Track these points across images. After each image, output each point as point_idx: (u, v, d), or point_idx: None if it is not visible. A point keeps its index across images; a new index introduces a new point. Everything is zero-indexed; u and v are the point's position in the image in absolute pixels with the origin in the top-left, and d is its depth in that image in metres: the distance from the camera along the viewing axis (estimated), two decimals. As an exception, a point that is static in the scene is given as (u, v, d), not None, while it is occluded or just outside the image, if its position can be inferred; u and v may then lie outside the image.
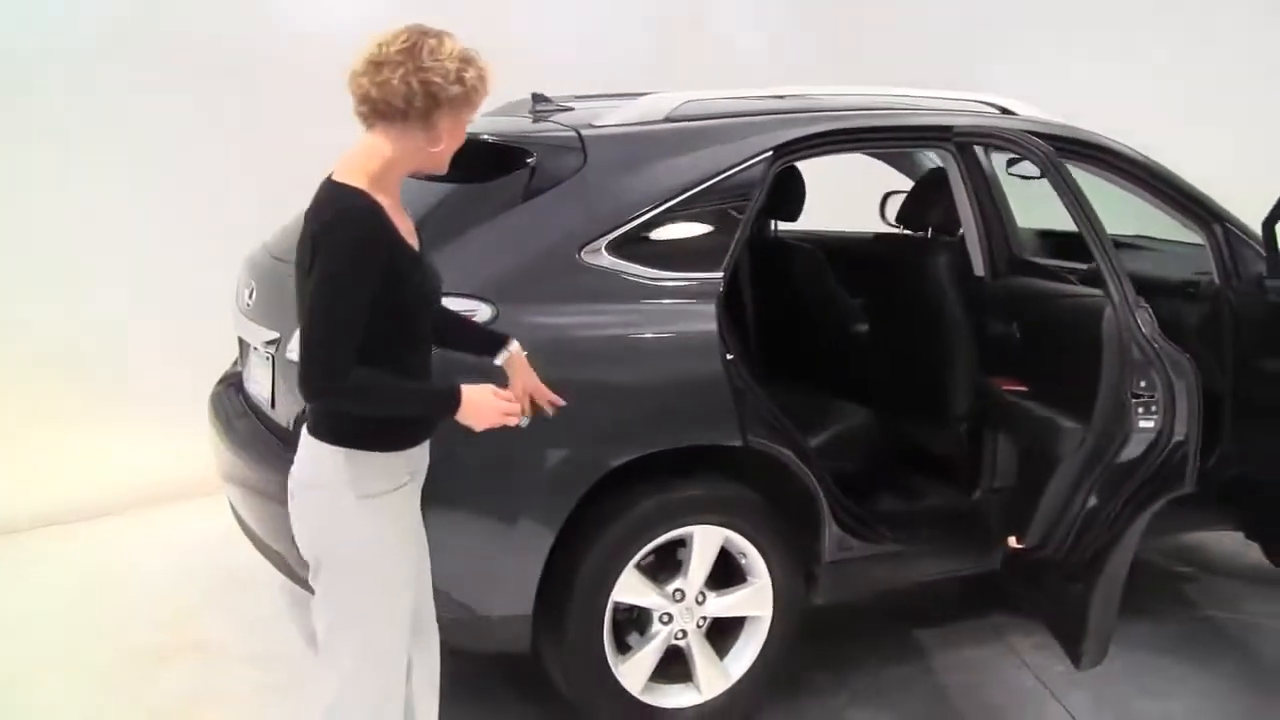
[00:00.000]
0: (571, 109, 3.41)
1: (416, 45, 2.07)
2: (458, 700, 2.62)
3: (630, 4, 6.26)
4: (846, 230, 4.82)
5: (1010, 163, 4.03)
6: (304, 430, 2.25)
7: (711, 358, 2.99)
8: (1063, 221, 4.19)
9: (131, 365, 4.81)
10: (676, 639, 3.13)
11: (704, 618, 3.16)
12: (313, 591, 2.28)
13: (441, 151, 2.17)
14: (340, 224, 2.04)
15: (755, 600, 3.20)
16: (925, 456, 3.87)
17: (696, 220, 3.15)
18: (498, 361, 2.44)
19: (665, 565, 3.14)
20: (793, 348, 4.32)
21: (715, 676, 3.19)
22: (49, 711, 3.42)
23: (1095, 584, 3.05)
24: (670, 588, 3.10)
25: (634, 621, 3.16)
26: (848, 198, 4.57)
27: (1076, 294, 3.39)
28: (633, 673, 3.07)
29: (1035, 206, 4.30)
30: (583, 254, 2.96)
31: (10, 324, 4.61)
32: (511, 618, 2.91)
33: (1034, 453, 3.32)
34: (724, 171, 3.15)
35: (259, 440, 3.21)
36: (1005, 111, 3.78)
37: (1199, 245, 3.81)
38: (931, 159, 4.40)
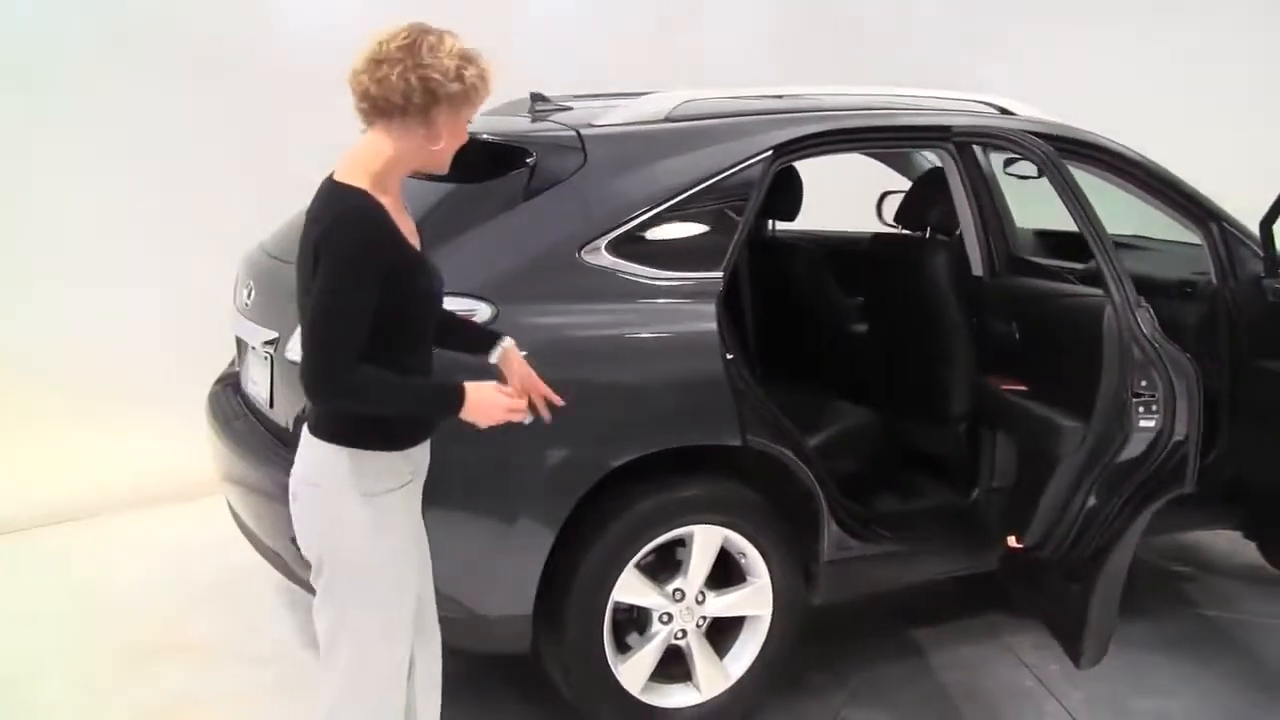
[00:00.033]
0: (570, 108, 3.38)
1: (416, 42, 2.06)
2: (458, 700, 2.58)
3: (629, 3, 6.24)
4: (844, 230, 4.80)
5: (1007, 163, 4.02)
6: (305, 430, 2.22)
7: (711, 357, 2.97)
8: (1058, 221, 4.21)
9: (129, 365, 4.76)
10: (676, 639, 3.10)
11: (704, 617, 3.13)
12: (313, 592, 2.26)
13: (442, 150, 2.15)
14: (343, 225, 2.02)
15: (755, 600, 3.17)
16: (924, 456, 3.84)
17: (696, 220, 3.12)
18: (492, 359, 2.41)
19: (665, 565, 3.11)
20: (791, 347, 4.29)
21: (715, 676, 3.16)
22: (46, 711, 3.39)
23: (1095, 583, 3.03)
24: (670, 587, 3.07)
25: (633, 621, 3.13)
26: (844, 198, 4.54)
27: (1076, 293, 3.37)
28: (632, 672, 3.05)
29: (1029, 206, 4.29)
30: (582, 253, 2.93)
31: (9, 323, 4.58)
32: (511, 617, 2.89)
33: (1034, 452, 3.31)
34: (723, 171, 3.13)
35: (257, 440, 3.19)
36: (1004, 111, 3.76)
37: (1196, 245, 3.79)
38: (928, 159, 4.38)
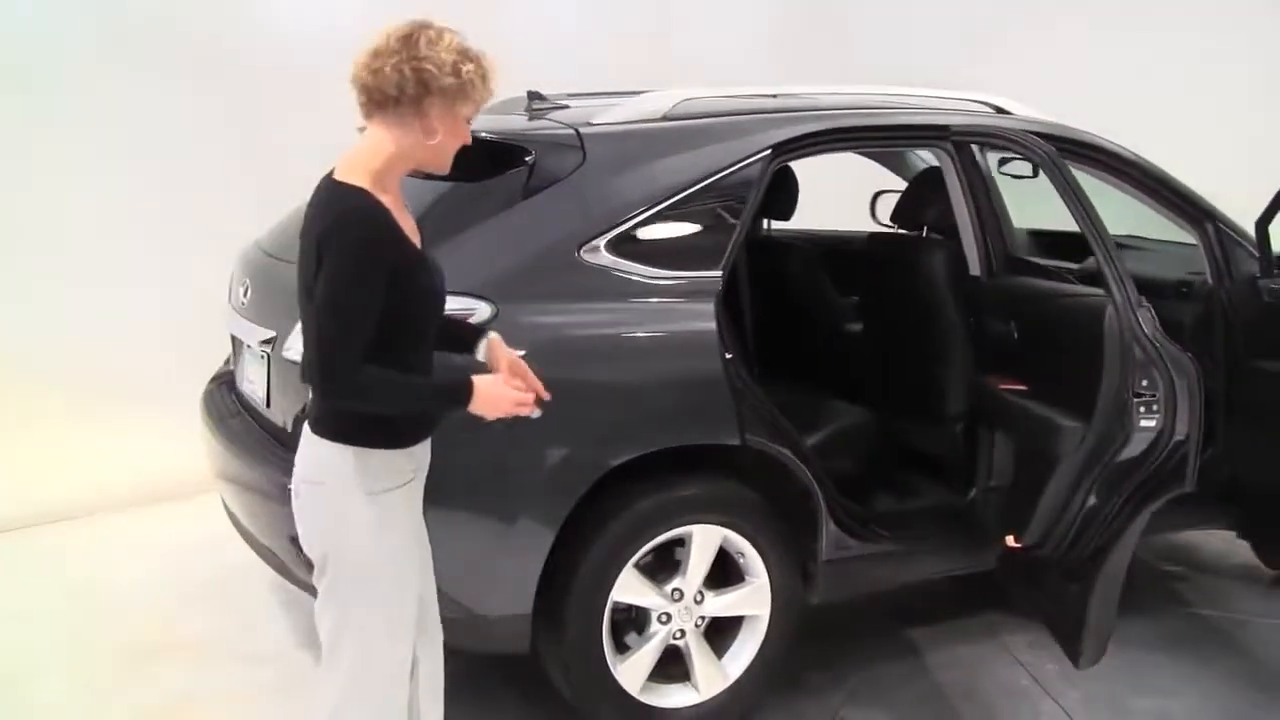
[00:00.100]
0: (568, 107, 3.32)
1: (414, 36, 2.04)
2: (458, 700, 2.53)
3: (629, 3, 6.18)
4: (840, 229, 4.74)
5: (1002, 162, 3.96)
6: (306, 428, 2.18)
7: (710, 357, 2.92)
8: (1052, 221, 4.16)
9: (129, 365, 4.70)
10: (675, 638, 3.04)
11: (702, 617, 3.08)
12: (309, 590, 2.21)
13: (437, 145, 2.10)
14: (345, 225, 1.99)
15: (753, 599, 3.12)
16: (920, 456, 3.79)
17: (695, 219, 3.07)
18: (479, 356, 2.36)
19: (664, 565, 3.06)
20: (788, 347, 4.24)
21: (714, 676, 3.10)
22: (44, 710, 3.34)
23: (1094, 583, 2.99)
24: (669, 587, 3.02)
25: (632, 621, 3.08)
26: (839, 197, 4.48)
27: (1076, 293, 3.32)
28: (631, 672, 2.99)
29: (1023, 207, 4.23)
30: (582, 252, 2.88)
31: (9, 323, 4.51)
32: (511, 617, 2.83)
33: (1032, 452, 3.25)
34: (722, 170, 3.07)
35: (254, 439, 3.13)
36: (1000, 111, 3.70)
37: (1191, 245, 3.74)
38: (923, 158, 4.33)
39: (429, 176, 2.25)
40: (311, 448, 2.16)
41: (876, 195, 4.50)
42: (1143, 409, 2.90)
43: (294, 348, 2.79)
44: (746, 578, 3.11)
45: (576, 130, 3.03)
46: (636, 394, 2.89)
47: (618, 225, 2.93)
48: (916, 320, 3.62)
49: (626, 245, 2.92)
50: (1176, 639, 3.75)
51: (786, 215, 4.07)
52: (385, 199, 2.05)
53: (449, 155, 2.15)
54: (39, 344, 4.56)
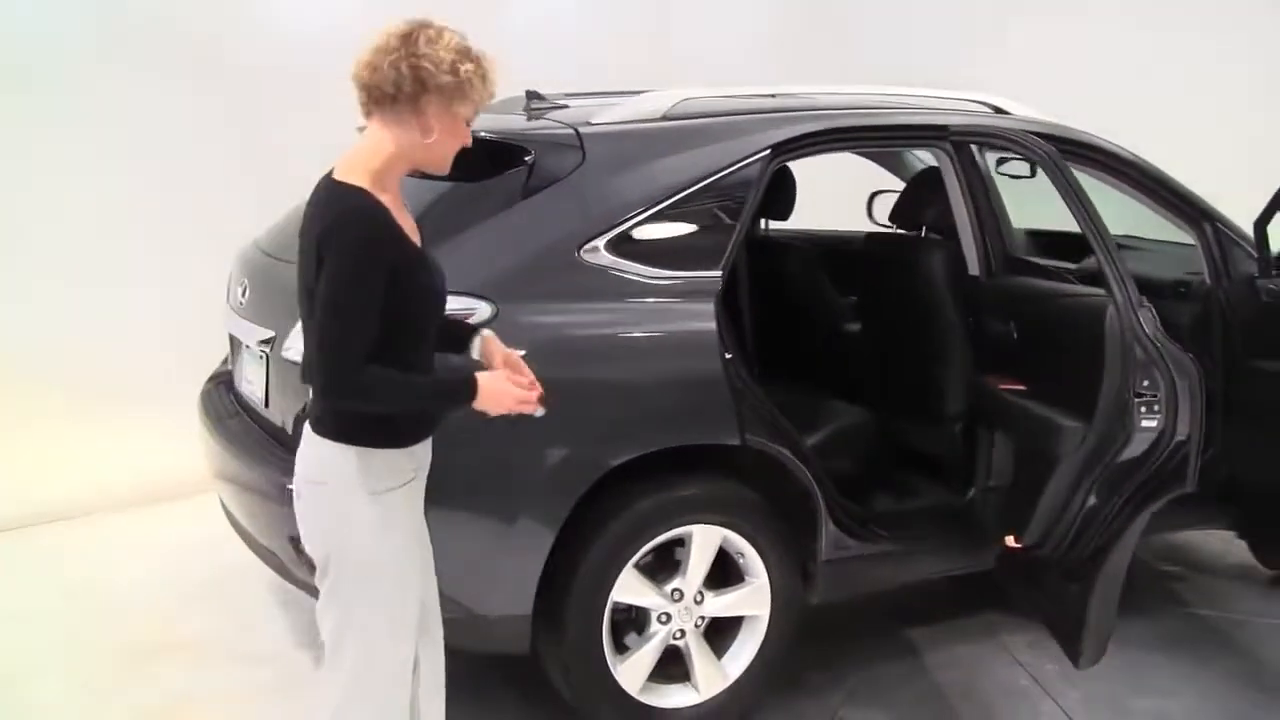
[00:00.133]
0: (566, 106, 3.29)
1: (414, 34, 2.03)
2: (458, 700, 2.50)
3: (629, 3, 6.16)
4: (837, 229, 4.71)
5: (999, 162, 3.93)
6: (307, 428, 2.16)
7: (710, 357, 2.89)
8: (1048, 221, 4.14)
9: (129, 365, 4.66)
10: (675, 639, 3.01)
11: (702, 617, 3.05)
12: (307, 589, 2.19)
13: (434, 144, 2.08)
14: (345, 225, 1.98)
15: (753, 600, 3.09)
16: (919, 456, 3.76)
17: (695, 219, 3.04)
18: (473, 354, 2.33)
19: (663, 565, 3.03)
20: (787, 347, 4.21)
21: (713, 676, 3.07)
22: (43, 710, 3.30)
23: (1094, 583, 2.96)
24: (668, 587, 2.99)
25: (632, 621, 3.05)
26: (836, 197, 4.45)
27: (1076, 293, 3.29)
28: (631, 672, 2.96)
29: (1018, 207, 4.21)
30: (581, 252, 2.85)
31: (9, 323, 4.48)
32: (511, 617, 2.81)
33: (1033, 452, 3.22)
34: (722, 170, 3.05)
35: (252, 439, 3.10)
36: (998, 110, 3.68)
37: (1188, 245, 3.72)
38: (920, 158, 4.30)
39: (428, 176, 2.22)
40: (313, 448, 2.14)
41: (873, 195, 4.46)
42: (1144, 409, 2.87)
43: (293, 348, 2.76)
44: (746, 578, 3.09)
45: (576, 130, 3.00)
46: (636, 394, 2.86)
47: (617, 225, 2.90)
48: (915, 320, 3.59)
49: (626, 245, 2.89)
50: (1174, 639, 3.72)
51: (784, 215, 4.04)
52: (385, 198, 2.03)
53: (447, 155, 2.13)
54: (39, 344, 4.52)
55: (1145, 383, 2.87)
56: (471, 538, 2.70)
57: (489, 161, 2.90)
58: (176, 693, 3.35)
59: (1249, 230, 3.61)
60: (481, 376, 2.11)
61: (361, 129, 2.13)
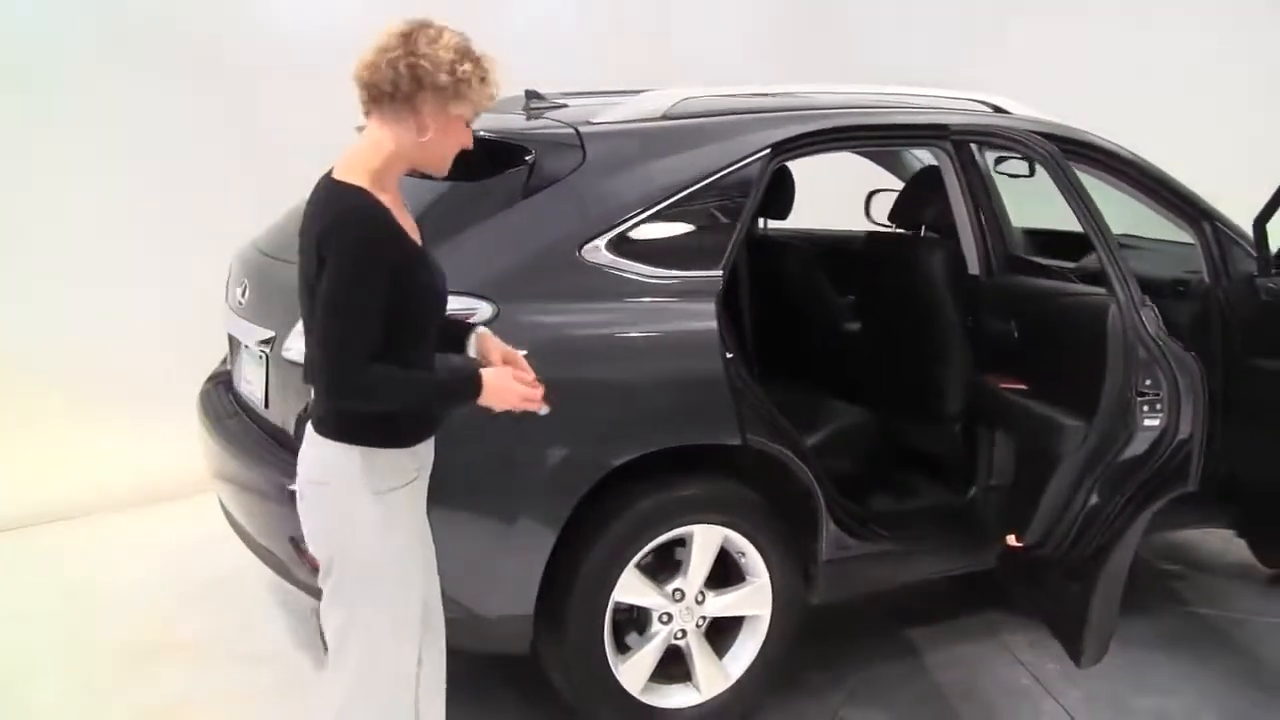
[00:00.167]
0: (565, 105, 3.26)
1: (414, 33, 2.02)
2: (458, 701, 2.47)
3: (629, 3, 6.13)
4: (836, 228, 4.68)
5: (998, 161, 3.91)
6: (309, 429, 2.14)
7: (711, 356, 2.86)
8: (1046, 220, 4.11)
9: (129, 365, 4.63)
10: (676, 639, 2.98)
11: (703, 617, 3.02)
12: (307, 590, 2.17)
13: (430, 143, 2.06)
14: (345, 225, 1.97)
15: (754, 599, 3.06)
16: (918, 455, 3.73)
17: (695, 218, 3.01)
18: (470, 353, 2.31)
19: (664, 565, 3.00)
20: (783, 346, 4.18)
21: (715, 676, 3.05)
22: (43, 710, 3.28)
23: (1096, 582, 2.93)
24: (670, 587, 2.96)
25: (633, 621, 3.02)
26: (833, 196, 4.42)
27: (1078, 292, 3.26)
28: (633, 673, 2.93)
29: (1014, 205, 4.18)
30: (582, 252, 2.82)
31: (9, 323, 4.45)
32: (512, 618, 2.78)
33: (1034, 451, 3.19)
34: (722, 169, 3.02)
35: (252, 440, 3.06)
36: (998, 109, 3.65)
37: (1187, 244, 3.69)
38: (918, 158, 4.28)
39: (428, 176, 2.20)
40: (316, 448, 2.13)
41: (871, 194, 4.44)
42: (1146, 408, 2.85)
43: (294, 348, 2.73)
44: (747, 578, 3.06)
45: (576, 129, 2.97)
46: (638, 394, 2.83)
47: (617, 224, 2.87)
48: (915, 320, 3.56)
49: (626, 245, 2.87)
50: (1174, 637, 3.70)
51: (783, 215, 4.01)
52: (384, 198, 2.02)
53: (443, 156, 2.11)
54: (39, 344, 4.49)
55: (1148, 382, 2.85)
56: (473, 538, 2.67)
57: (489, 161, 2.87)
58: (176, 693, 3.32)
59: (1248, 229, 3.58)
60: (486, 372, 2.10)
61: (360, 129, 2.11)
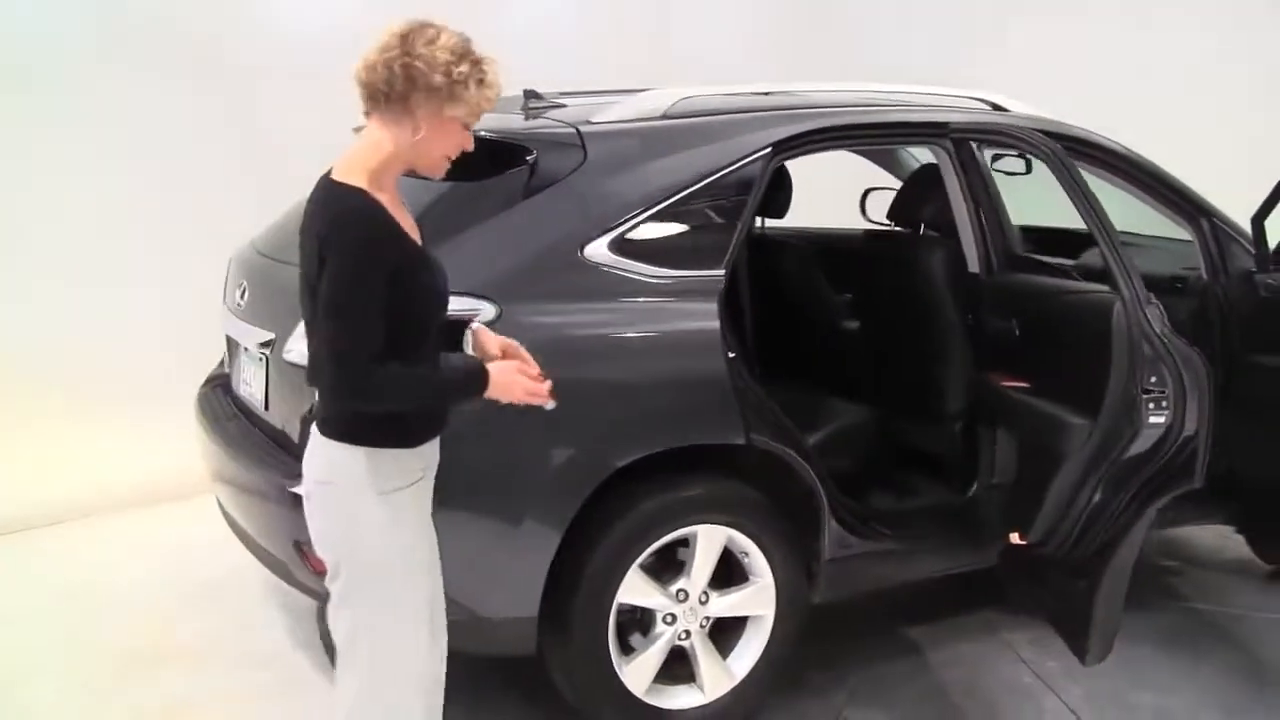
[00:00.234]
0: (564, 105, 3.20)
1: (412, 33, 1.99)
2: (458, 702, 2.42)
3: (629, 3, 6.07)
4: (833, 226, 4.62)
5: (995, 158, 3.85)
6: (314, 430, 2.11)
7: (714, 356, 2.81)
8: (1043, 218, 4.05)
9: (129, 365, 4.57)
10: (680, 639, 2.92)
11: (707, 618, 2.96)
12: (307, 592, 2.12)
13: (423, 144, 2.02)
14: (344, 225, 1.94)
15: (758, 599, 3.00)
16: (918, 454, 3.67)
17: (697, 217, 2.95)
18: (467, 350, 2.26)
19: (667, 566, 2.94)
20: (782, 345, 4.12)
21: (719, 676, 2.98)
22: (43, 711, 3.22)
23: (1100, 579, 2.87)
24: (673, 588, 2.90)
25: (637, 622, 2.96)
26: (831, 194, 4.37)
27: (1081, 290, 3.21)
28: (637, 674, 2.87)
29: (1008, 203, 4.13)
30: (584, 252, 2.76)
31: (9, 323, 4.38)
32: (516, 620, 2.71)
33: (1037, 449, 3.13)
34: (723, 168, 2.96)
35: (252, 442, 3.00)
36: (996, 107, 3.60)
37: (1184, 241, 3.65)
38: (915, 156, 4.22)
39: (426, 178, 2.14)
40: (321, 449, 2.10)
41: (867, 192, 4.39)
42: (1151, 405, 2.79)
43: (295, 349, 2.66)
44: (751, 578, 3.00)
45: (577, 129, 2.91)
46: (641, 394, 2.77)
47: (619, 224, 2.81)
48: (915, 318, 3.50)
49: (628, 244, 2.81)
50: (1173, 634, 3.64)
51: (781, 214, 3.95)
52: (382, 197, 1.99)
53: (439, 158, 2.07)
54: (39, 344, 4.42)
55: (1153, 379, 2.80)
56: (477, 539, 2.61)
57: (490, 161, 2.81)
58: (176, 694, 3.26)
59: (1247, 228, 3.53)
60: (492, 367, 2.09)
61: (357, 129, 2.08)
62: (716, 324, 2.81)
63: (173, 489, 4.60)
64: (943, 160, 3.50)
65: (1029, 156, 3.54)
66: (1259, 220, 3.49)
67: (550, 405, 2.14)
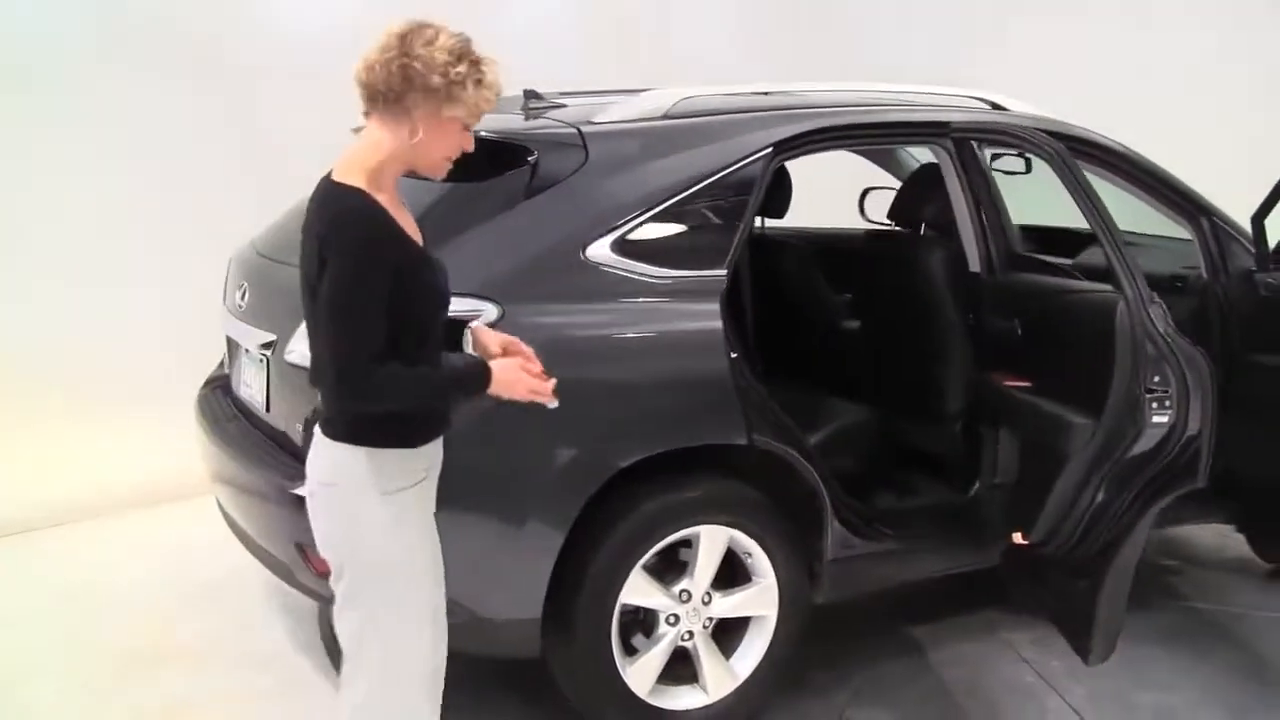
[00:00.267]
0: (564, 105, 3.17)
1: (411, 34, 1.97)
2: (458, 703, 2.39)
3: (629, 3, 6.04)
4: (833, 226, 4.60)
5: (993, 158, 3.83)
6: (317, 431, 2.09)
7: (716, 356, 2.78)
8: (1040, 217, 4.03)
9: (129, 365, 4.53)
10: (683, 640, 2.90)
11: (710, 618, 2.93)
12: (308, 593, 2.11)
13: (421, 145, 2.00)
14: (344, 225, 1.93)
15: (761, 600, 2.98)
16: (919, 454, 3.65)
17: (698, 217, 2.93)
18: (467, 349, 2.24)
19: (669, 567, 2.92)
20: (782, 345, 4.09)
21: (722, 677, 2.96)
22: (43, 712, 3.19)
23: (1103, 579, 2.85)
24: (676, 589, 2.87)
25: (639, 623, 2.93)
26: (829, 193, 4.34)
27: (1084, 289, 3.19)
28: (640, 675, 2.85)
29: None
30: (586, 252, 2.74)
31: (9, 323, 4.34)
32: (519, 621, 2.69)
33: (1040, 448, 3.11)
34: (725, 168, 2.94)
35: (252, 443, 2.97)
36: (995, 107, 3.58)
37: (1184, 240, 3.63)
38: (914, 156, 4.20)
39: (426, 178, 2.12)
40: (324, 450, 2.08)
41: (865, 192, 4.37)
42: (1155, 405, 2.77)
43: (296, 351, 2.63)
44: (754, 578, 2.97)
45: (578, 129, 2.88)
46: (643, 394, 2.74)
47: (621, 224, 2.79)
48: (915, 318, 3.48)
49: (630, 244, 2.78)
50: (1173, 632, 3.63)
51: (780, 213, 3.92)
52: (382, 198, 1.98)
53: (438, 158, 2.05)
54: (39, 344, 4.38)
55: (1156, 378, 2.78)
56: (481, 541, 2.59)
57: (490, 162, 2.78)
58: (176, 694, 3.23)
59: (1247, 227, 3.51)
60: (494, 364, 2.08)
61: (356, 130, 2.06)
62: (719, 324, 2.78)
63: (173, 489, 4.57)
64: (943, 160, 3.48)
65: (1029, 156, 3.52)
66: (1259, 219, 3.48)
67: (553, 404, 2.12)
